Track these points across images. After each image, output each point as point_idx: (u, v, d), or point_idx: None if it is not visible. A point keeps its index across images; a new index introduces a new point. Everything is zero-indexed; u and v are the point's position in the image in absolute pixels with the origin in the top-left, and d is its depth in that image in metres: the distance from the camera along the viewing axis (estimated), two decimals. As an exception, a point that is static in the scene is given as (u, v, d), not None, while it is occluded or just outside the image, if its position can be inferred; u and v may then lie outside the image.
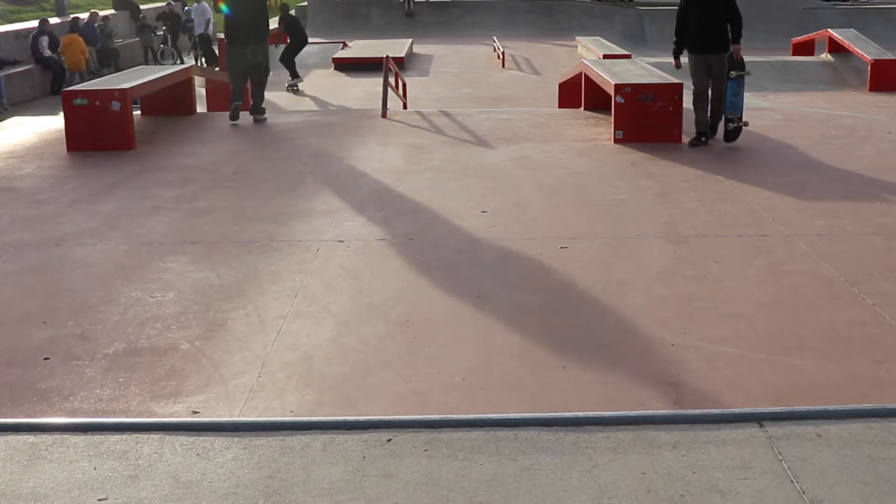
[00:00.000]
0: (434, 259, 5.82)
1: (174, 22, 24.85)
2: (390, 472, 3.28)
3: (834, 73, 15.95)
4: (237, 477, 3.26)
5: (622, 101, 9.20)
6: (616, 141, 9.15)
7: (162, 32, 24.90)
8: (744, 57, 8.98)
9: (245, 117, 10.58)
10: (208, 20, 22.67)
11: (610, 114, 9.52)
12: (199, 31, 22.68)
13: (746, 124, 9.00)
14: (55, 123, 10.19)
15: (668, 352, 4.41)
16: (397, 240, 6.20)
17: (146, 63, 22.22)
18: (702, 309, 4.95)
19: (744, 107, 9.04)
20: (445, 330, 4.71)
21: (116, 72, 15.63)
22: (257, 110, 10.66)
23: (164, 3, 26.74)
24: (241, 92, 10.65)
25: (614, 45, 20.41)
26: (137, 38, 24.37)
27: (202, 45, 22.67)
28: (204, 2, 22.79)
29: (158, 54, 24.38)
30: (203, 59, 22.37)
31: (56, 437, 3.55)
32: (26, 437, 3.55)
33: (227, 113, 11.05)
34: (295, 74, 16.76)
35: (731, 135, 9.03)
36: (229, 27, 10.79)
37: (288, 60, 16.84)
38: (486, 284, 5.33)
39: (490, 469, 3.29)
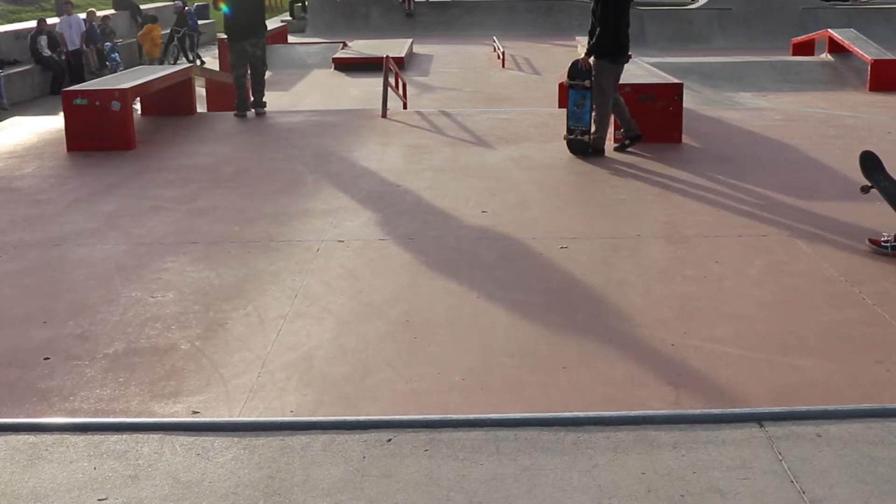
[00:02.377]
0: (434, 259, 5.82)
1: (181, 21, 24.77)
2: (390, 472, 3.28)
3: (834, 73, 15.95)
4: (237, 477, 3.26)
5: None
6: (616, 141, 9.14)
7: (168, 31, 24.85)
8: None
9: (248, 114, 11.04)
10: (83, 33, 20.21)
11: (610, 114, 9.51)
12: (72, 46, 19.75)
13: (588, 140, 8.59)
14: (55, 123, 10.19)
15: (668, 352, 4.41)
16: (397, 240, 6.20)
17: (140, 61, 22.23)
18: (702, 309, 4.95)
19: (590, 120, 8.59)
20: (445, 330, 4.71)
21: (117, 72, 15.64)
22: (259, 104, 11.15)
23: (164, 4, 26.73)
24: (244, 92, 11.05)
25: (614, 45, 20.38)
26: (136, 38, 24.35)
27: (75, 60, 19.84)
28: (76, 14, 20.45)
29: (171, 54, 24.32)
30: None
31: (56, 437, 3.55)
32: (26, 437, 3.55)
33: (227, 113, 11.20)
34: None
35: (572, 146, 8.69)
36: (229, 25, 11.28)
37: None
38: (486, 284, 5.33)
39: (490, 469, 3.29)
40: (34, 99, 18.55)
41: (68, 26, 19.98)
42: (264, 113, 11.10)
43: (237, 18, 10.95)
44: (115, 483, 3.23)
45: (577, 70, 8.72)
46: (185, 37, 24.56)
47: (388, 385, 4.11)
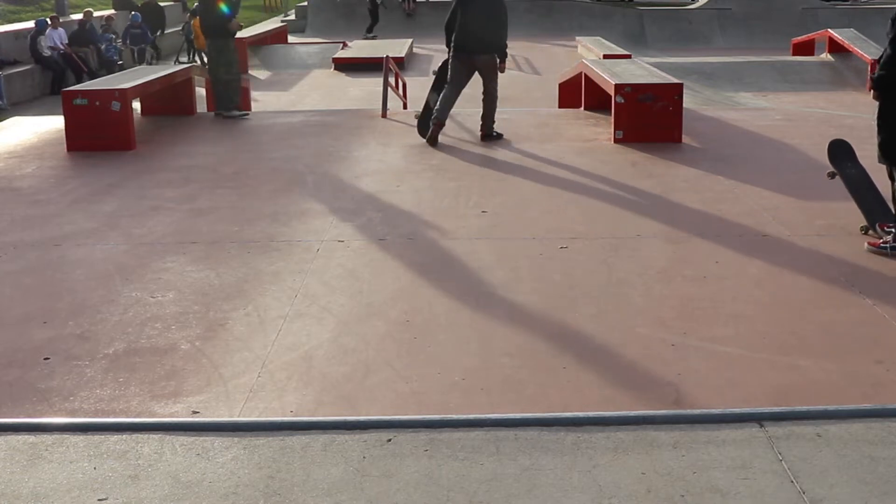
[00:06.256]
0: (434, 259, 5.82)
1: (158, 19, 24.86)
2: (390, 472, 3.28)
3: (834, 73, 15.96)
4: (237, 477, 3.26)
5: (622, 101, 9.20)
6: (616, 141, 9.14)
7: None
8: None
9: (254, 114, 11.12)
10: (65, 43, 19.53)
11: (610, 114, 9.52)
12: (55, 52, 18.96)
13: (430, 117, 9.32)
14: (55, 123, 10.18)
15: (668, 352, 4.41)
16: (397, 240, 6.20)
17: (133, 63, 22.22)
18: (702, 309, 4.95)
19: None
20: (445, 330, 4.71)
21: (117, 72, 15.64)
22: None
23: (166, 3, 26.71)
24: (241, 91, 11.15)
25: (614, 45, 20.43)
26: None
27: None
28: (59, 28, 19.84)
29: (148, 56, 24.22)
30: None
31: (56, 437, 3.55)
32: (26, 437, 3.55)
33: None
34: None
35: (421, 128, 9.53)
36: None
37: None
38: (486, 284, 5.33)
39: (490, 469, 3.29)
40: (34, 99, 18.55)
41: (53, 39, 19.95)
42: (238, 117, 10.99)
43: (238, 18, 11.03)
44: (115, 483, 3.23)
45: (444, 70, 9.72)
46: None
47: (388, 385, 4.11)
